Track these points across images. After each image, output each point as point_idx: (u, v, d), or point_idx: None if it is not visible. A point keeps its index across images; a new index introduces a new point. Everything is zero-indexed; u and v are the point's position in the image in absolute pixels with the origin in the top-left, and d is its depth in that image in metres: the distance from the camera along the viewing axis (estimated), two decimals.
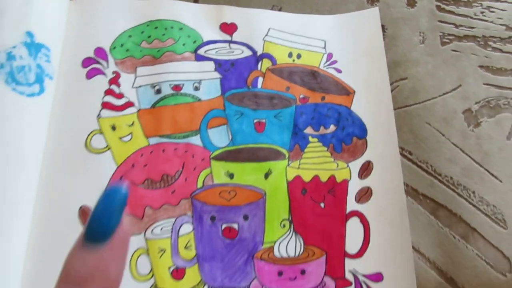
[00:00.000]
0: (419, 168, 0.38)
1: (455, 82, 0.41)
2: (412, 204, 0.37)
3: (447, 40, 0.43)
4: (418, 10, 0.44)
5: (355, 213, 0.35)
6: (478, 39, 0.43)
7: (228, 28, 0.39)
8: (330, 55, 0.40)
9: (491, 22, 0.44)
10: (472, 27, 0.44)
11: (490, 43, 0.43)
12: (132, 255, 0.33)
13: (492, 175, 0.38)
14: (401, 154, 0.39)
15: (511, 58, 0.43)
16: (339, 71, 0.39)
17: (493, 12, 0.45)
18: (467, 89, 0.41)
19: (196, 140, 0.36)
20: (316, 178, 0.35)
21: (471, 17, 0.44)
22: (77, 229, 0.32)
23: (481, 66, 0.42)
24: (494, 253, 0.37)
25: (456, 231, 0.37)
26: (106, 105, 0.35)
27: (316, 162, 0.36)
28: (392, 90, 0.40)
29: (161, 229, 0.33)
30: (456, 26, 0.43)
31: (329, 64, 0.40)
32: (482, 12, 0.44)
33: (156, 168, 0.35)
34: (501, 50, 0.43)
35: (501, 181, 0.38)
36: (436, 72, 0.41)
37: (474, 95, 0.41)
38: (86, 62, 0.36)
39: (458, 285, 0.36)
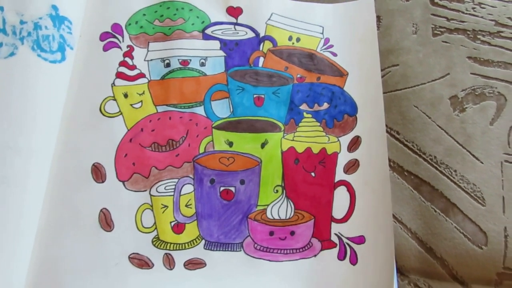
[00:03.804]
0: (406, 146, 0.41)
1: (443, 70, 0.44)
2: (398, 179, 0.40)
3: (438, 32, 0.45)
4: (412, 3, 0.46)
5: (342, 183, 0.38)
6: (468, 33, 0.46)
7: (234, 11, 0.42)
8: (327, 40, 0.42)
9: (481, 17, 0.46)
10: (463, 21, 0.46)
11: (479, 36, 0.46)
12: (138, 209, 0.36)
13: (474, 156, 0.41)
14: (389, 133, 0.41)
15: (498, 51, 0.45)
16: (334, 54, 0.42)
17: (483, 8, 0.47)
18: (455, 77, 0.44)
19: (200, 110, 0.39)
20: (308, 149, 0.38)
21: (462, 12, 0.46)
22: (89, 182, 0.36)
23: (469, 57, 0.45)
24: (472, 227, 0.39)
25: (437, 205, 0.39)
26: (120, 75, 0.38)
27: (309, 136, 0.39)
28: (384, 75, 0.43)
29: (165, 187, 0.37)
30: (448, 19, 0.46)
31: (325, 48, 0.42)
32: (473, 8, 0.47)
33: (163, 133, 0.38)
34: (489, 43, 0.45)
35: (482, 162, 0.41)
36: (426, 60, 0.44)
37: (461, 83, 0.43)
38: (104, 36, 0.39)
39: (436, 254, 0.38)
